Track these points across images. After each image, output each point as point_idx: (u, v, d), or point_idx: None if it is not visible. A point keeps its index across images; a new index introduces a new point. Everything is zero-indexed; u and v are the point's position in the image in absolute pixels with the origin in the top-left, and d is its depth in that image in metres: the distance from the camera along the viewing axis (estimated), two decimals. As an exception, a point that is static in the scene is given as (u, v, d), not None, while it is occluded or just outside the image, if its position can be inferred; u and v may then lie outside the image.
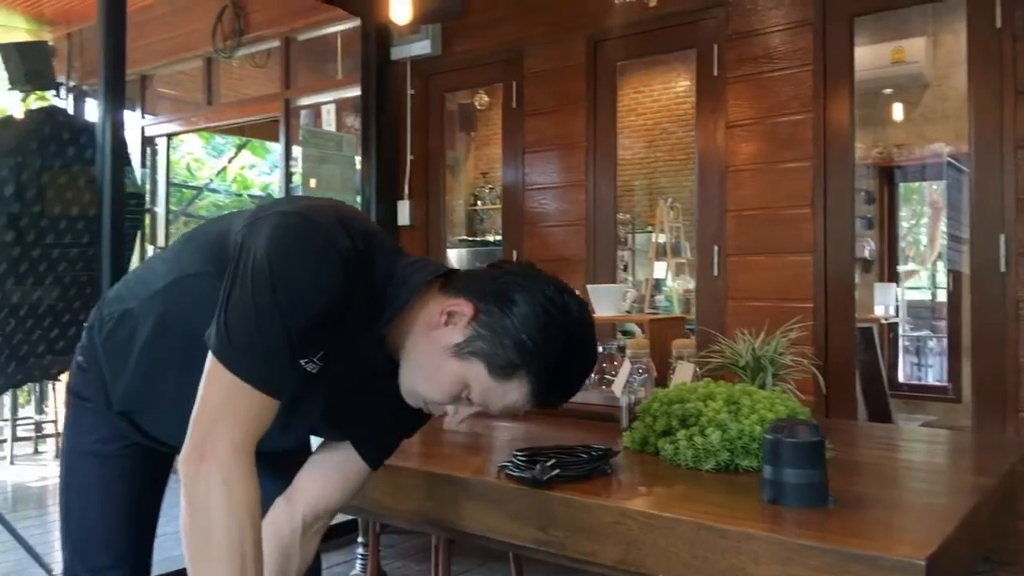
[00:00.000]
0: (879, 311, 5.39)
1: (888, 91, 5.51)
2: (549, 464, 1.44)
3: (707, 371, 2.02)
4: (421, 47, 3.82)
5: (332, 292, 1.04)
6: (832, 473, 1.35)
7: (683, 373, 1.96)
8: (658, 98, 6.22)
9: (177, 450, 1.34)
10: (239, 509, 1.01)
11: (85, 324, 1.33)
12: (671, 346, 2.03)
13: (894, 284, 5.69)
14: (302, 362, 1.07)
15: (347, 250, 1.05)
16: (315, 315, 1.04)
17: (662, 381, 1.99)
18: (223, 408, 1.03)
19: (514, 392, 1.11)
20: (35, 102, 4.08)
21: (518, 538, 1.43)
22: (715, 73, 3.26)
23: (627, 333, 2.88)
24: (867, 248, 6.00)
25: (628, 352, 1.93)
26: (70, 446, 1.32)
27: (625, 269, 5.97)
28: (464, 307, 1.11)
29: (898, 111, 5.63)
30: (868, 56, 5.20)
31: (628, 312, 2.41)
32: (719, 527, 1.22)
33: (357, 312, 1.10)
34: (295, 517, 1.29)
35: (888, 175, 5.90)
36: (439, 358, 1.12)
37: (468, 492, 1.50)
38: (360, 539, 3.01)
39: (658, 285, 5.91)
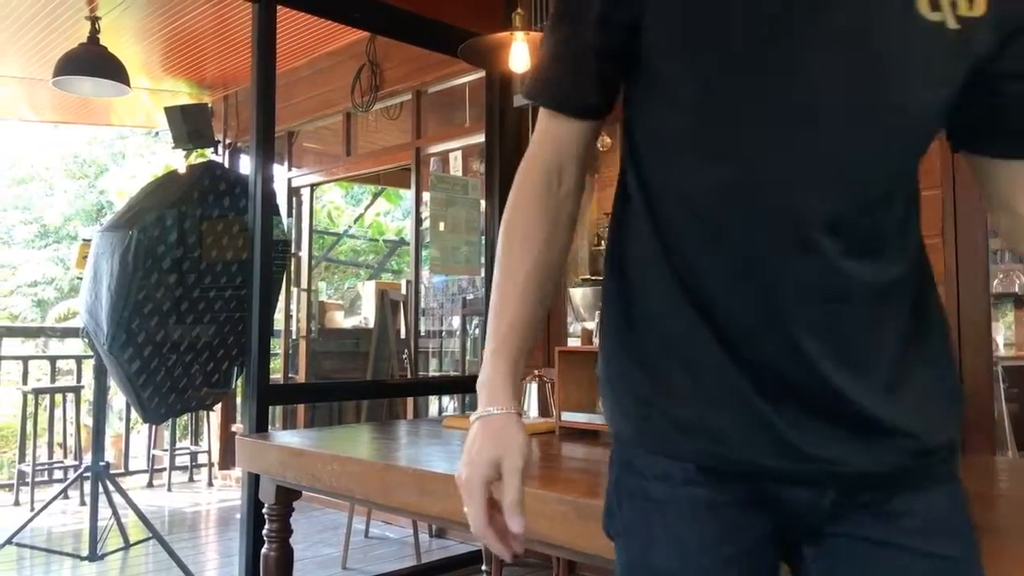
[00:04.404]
0: (1033, 349, 5.03)
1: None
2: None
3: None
4: (542, 93, 3.96)
5: None
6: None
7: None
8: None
9: None
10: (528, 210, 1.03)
11: None
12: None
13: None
14: None
15: None
16: None
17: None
18: (535, 137, 1.06)
19: None
20: (196, 158, 4.44)
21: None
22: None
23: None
24: (1016, 283, 5.62)
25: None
26: None
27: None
28: None
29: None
30: None
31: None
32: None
33: None
34: None
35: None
36: None
37: (579, 511, 1.57)
38: (484, 568, 3.09)
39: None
